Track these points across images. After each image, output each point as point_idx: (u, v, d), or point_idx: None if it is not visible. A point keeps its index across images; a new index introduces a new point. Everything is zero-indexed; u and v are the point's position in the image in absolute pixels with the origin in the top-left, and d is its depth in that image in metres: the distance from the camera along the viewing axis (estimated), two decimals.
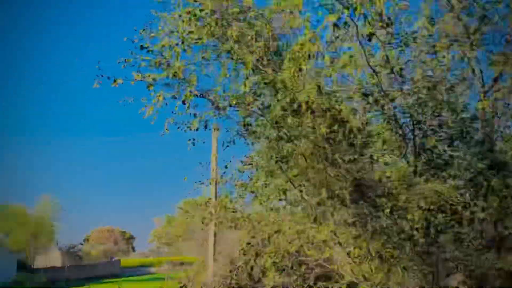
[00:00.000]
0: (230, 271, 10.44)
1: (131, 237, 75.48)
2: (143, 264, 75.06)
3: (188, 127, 6.46)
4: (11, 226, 51.37)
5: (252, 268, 7.83)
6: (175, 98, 6.11)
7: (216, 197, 22.80)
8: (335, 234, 6.49)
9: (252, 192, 7.73)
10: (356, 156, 5.77)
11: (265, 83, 5.57)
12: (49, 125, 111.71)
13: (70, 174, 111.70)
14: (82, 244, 67.65)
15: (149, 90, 6.14)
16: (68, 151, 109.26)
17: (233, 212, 8.04)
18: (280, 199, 7.10)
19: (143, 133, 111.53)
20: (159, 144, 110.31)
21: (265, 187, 7.39)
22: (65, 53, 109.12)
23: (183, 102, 6.00)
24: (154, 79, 6.11)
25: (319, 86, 5.46)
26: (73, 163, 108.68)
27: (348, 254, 6.69)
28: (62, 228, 61.78)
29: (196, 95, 6.10)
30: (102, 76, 6.06)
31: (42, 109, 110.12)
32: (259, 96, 5.97)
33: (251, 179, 7.65)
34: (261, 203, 7.60)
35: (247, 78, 5.68)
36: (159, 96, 6.07)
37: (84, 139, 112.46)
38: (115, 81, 6.09)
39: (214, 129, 19.52)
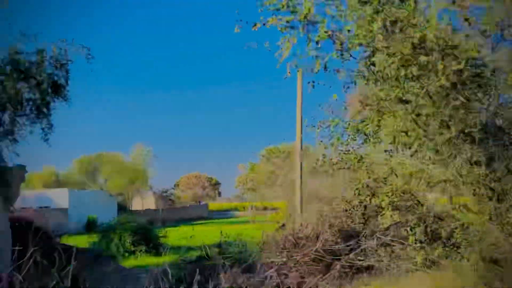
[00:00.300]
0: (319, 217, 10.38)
1: (217, 183, 79.00)
2: (229, 208, 78.78)
3: (310, 69, 6.34)
4: (110, 172, 55.89)
5: (366, 208, 7.69)
6: (309, 39, 5.99)
7: (301, 143, 22.59)
8: (460, 175, 6.07)
9: (366, 134, 7.45)
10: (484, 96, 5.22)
11: (392, 22, 5.17)
12: (142, 75, 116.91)
13: (160, 124, 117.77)
14: (173, 189, 72.16)
15: (283, 32, 6.13)
16: (158, 101, 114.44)
17: (346, 154, 7.82)
18: (392, 142, 6.74)
19: (228, 83, 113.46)
20: (245, 94, 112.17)
21: (378, 128, 7.07)
22: None
23: (317, 43, 5.85)
24: (287, 21, 6.05)
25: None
26: (163, 113, 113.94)
27: (474, 193, 6.26)
28: (155, 174, 65.98)
29: (329, 36, 5.90)
30: (240, 21, 6.19)
31: (135, 58, 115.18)
32: (387, 34, 5.58)
33: (363, 121, 7.34)
34: (374, 145, 7.31)
35: (376, 13, 5.31)
36: (292, 39, 6.02)
37: (172, 90, 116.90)
38: (255, 25, 6.18)
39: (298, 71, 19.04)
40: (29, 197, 38.71)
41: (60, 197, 46.07)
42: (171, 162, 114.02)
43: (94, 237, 26.77)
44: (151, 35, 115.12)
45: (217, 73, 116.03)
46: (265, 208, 67.64)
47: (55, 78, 13.09)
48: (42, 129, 13.03)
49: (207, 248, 9.82)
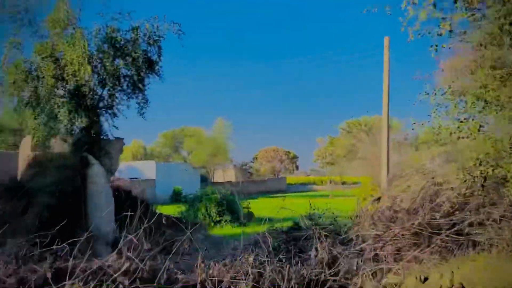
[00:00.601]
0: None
1: (295, 157, 79.25)
2: (306, 182, 78.86)
3: (437, 33, 6.04)
4: (192, 145, 58.13)
5: (485, 179, 7.23)
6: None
7: (388, 115, 21.71)
8: None
9: (486, 101, 6.95)
10: None
11: None
12: (230, 47, 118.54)
13: (242, 97, 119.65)
14: (252, 162, 73.60)
15: None
16: (244, 74, 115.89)
17: (463, 122, 7.37)
18: None
19: (307, 55, 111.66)
20: (322, 67, 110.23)
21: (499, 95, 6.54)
22: None
23: (455, 2, 5.54)
24: None
25: None
26: (246, 87, 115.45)
27: None
28: (235, 147, 67.56)
29: None
30: None
31: (224, 31, 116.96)
32: None
33: (485, 86, 6.83)
34: (496, 112, 6.81)
35: None
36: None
37: (259, 61, 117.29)
38: None
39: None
40: (120, 168, 41.36)
41: (148, 169, 48.70)
42: (251, 135, 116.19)
43: (182, 207, 28.20)
44: (240, 6, 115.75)
45: (301, 43, 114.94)
46: (343, 183, 66.90)
47: (149, 54, 13.65)
48: (138, 103, 13.72)
49: (303, 217, 9.86)
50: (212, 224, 25.80)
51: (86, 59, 11.96)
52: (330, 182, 74.35)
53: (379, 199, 9.55)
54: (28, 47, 13.59)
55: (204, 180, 53.29)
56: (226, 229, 24.88)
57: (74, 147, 13.43)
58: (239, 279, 6.42)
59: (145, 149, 65.38)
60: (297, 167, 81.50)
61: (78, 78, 12.13)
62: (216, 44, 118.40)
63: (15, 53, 13.12)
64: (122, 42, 13.29)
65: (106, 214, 12.39)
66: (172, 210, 27.66)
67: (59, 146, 13.90)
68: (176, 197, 44.58)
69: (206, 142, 55.25)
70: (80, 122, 13.51)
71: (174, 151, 66.85)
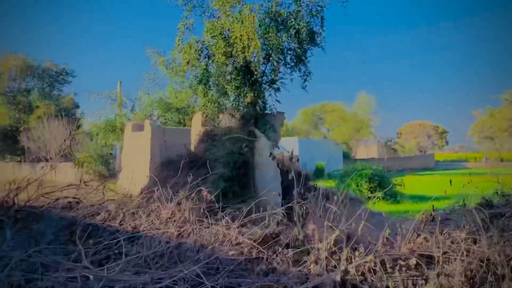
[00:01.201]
0: None
1: (444, 132, 73.42)
2: (457, 159, 72.69)
3: None
4: (334, 121, 57.49)
5: None
6: None
7: None
8: None
9: None
10: None
11: None
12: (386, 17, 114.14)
13: (385, 69, 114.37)
14: (398, 138, 70.27)
15: None
16: (380, 44, 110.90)
17: None
18: None
19: (459, 19, 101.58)
20: (479, 31, 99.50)
21: None
22: None
23: None
24: None
25: None
26: (389, 57, 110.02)
27: None
28: (378, 122, 65.14)
29: None
30: None
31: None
32: None
33: None
34: None
35: None
36: None
37: (410, 29, 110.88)
38: None
39: None
40: None
41: (291, 145, 49.47)
42: (396, 109, 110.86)
43: (331, 182, 28.07)
44: None
45: (450, 8, 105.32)
46: (501, 160, 59.99)
47: (312, 26, 13.43)
48: (301, 76, 13.66)
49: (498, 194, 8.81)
50: (364, 200, 25.16)
51: (256, 34, 12.18)
52: (486, 159, 67.48)
53: None
54: (199, 28, 14.44)
55: (346, 156, 52.46)
56: (380, 205, 24.03)
57: (241, 122, 13.98)
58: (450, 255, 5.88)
59: (287, 125, 66.69)
60: (447, 143, 75.50)
61: (247, 54, 12.45)
62: (368, 11, 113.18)
63: (188, 34, 14.01)
64: (285, 15, 13.28)
65: (274, 185, 12.71)
66: (321, 185, 27.69)
67: (226, 121, 14.63)
68: (318, 173, 44.66)
69: (348, 117, 54.13)
70: (247, 97, 13.99)
71: (313, 128, 66.94)
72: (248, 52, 12.41)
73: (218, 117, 14.40)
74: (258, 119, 13.93)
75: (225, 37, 13.06)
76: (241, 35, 12.46)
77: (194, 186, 12.11)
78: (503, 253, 6.71)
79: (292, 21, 13.22)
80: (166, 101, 23.80)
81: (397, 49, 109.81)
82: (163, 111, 23.62)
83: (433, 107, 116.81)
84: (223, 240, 5.85)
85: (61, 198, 7.15)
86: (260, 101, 13.88)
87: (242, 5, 12.89)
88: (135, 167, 17.37)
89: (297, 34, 13.15)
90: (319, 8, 13.24)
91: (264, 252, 5.61)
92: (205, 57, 13.64)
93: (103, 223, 6.32)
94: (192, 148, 15.73)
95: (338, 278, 5.22)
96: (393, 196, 25.56)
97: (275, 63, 13.59)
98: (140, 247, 5.41)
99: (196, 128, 15.88)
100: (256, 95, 13.94)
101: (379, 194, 25.79)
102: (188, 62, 13.68)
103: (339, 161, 49.12)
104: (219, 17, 13.66)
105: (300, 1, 13.13)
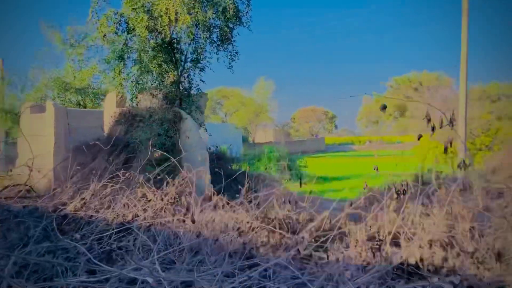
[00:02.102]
0: None
1: (333, 116, 78.09)
2: (344, 142, 78.02)
3: None
4: (234, 106, 57.78)
5: None
6: None
7: (467, 67, 20.59)
8: None
9: None
10: None
11: None
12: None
13: (283, 55, 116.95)
14: (293, 122, 73.01)
15: None
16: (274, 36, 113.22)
17: None
18: None
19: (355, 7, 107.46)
20: (368, 22, 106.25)
21: None
22: None
23: None
24: None
25: None
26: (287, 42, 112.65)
27: None
28: (276, 107, 66.83)
29: None
30: None
31: None
32: None
33: None
34: None
35: None
36: None
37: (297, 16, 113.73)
38: None
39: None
40: None
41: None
42: (291, 95, 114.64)
43: (240, 165, 28.15)
44: None
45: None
46: (382, 143, 65.72)
47: (238, 4, 13.03)
48: (228, 56, 13.22)
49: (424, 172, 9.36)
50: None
51: (185, 8, 11.43)
52: (370, 142, 73.38)
53: None
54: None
55: (245, 140, 53.11)
56: (289, 186, 24.74)
57: (164, 102, 13.16)
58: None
59: None
60: (336, 127, 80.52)
61: (174, 30, 11.67)
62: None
63: (103, 5, 12.74)
64: None
65: (202, 169, 12.21)
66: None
67: (147, 101, 13.68)
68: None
69: (247, 102, 54.75)
70: (169, 76, 13.20)
71: (212, 112, 66.67)
72: (176, 27, 11.64)
73: (136, 97, 13.39)
74: (183, 100, 13.24)
75: (148, 10, 12.09)
76: (167, 9, 11.63)
77: (116, 171, 11.13)
78: None
79: None
80: (63, 80, 21.60)
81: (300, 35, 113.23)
82: (60, 92, 21.42)
83: (326, 93, 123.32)
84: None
85: (10, 186, 6.00)
86: (185, 80, 13.18)
87: None
88: (37, 153, 15.52)
89: (224, 12, 12.66)
90: None
91: None
92: (124, 31, 12.52)
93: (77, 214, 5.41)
94: (106, 131, 14.46)
95: None
96: (300, 177, 26.49)
97: (201, 41, 12.97)
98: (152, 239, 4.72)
99: (110, 109, 14.60)
100: (180, 74, 13.21)
101: (286, 176, 26.58)
102: (104, 36, 12.45)
103: (240, 145, 49.53)
104: None
105: None
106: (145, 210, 7.06)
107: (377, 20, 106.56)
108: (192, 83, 13.39)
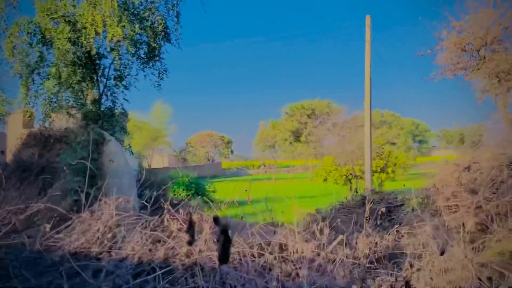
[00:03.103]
0: None
1: (229, 142, 78.64)
2: (239, 166, 78.99)
3: None
4: (129, 129, 55.18)
5: None
6: None
7: (370, 100, 22.02)
8: None
9: None
10: None
11: None
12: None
13: (174, 81, 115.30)
14: (191, 147, 71.82)
15: None
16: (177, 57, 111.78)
17: None
18: None
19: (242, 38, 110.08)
20: (258, 51, 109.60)
21: None
22: None
23: None
24: None
25: None
26: (184, 69, 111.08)
27: None
28: (173, 131, 65.29)
29: None
30: None
31: None
32: None
33: None
34: None
35: None
36: None
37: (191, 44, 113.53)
38: None
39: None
40: None
41: None
42: (187, 120, 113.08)
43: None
44: None
45: (242, 27, 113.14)
46: (280, 167, 67.85)
47: (167, 20, 12.46)
48: (157, 73, 12.48)
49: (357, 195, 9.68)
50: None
51: (115, 20, 10.55)
52: (264, 166, 75.14)
53: (468, 168, 9.45)
54: (26, 6, 11.79)
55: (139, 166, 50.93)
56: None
57: (84, 122, 11.92)
58: None
59: None
60: (231, 152, 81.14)
61: (106, 43, 10.71)
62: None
63: (11, 12, 11.28)
64: (137, 4, 11.96)
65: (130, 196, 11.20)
66: None
67: (62, 121, 12.29)
68: None
69: (143, 127, 52.72)
70: (89, 93, 12.05)
71: None
72: (104, 40, 10.68)
73: (50, 117, 11.95)
74: (105, 120, 12.12)
75: (69, 21, 10.93)
76: (93, 20, 10.63)
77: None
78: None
79: (145, 12, 12.00)
80: None
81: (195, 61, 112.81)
82: None
83: (221, 118, 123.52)
84: None
85: None
86: (109, 99, 12.13)
87: None
88: None
89: (152, 27, 11.99)
90: (175, 2, 12.36)
91: None
92: (39, 42, 11.16)
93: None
94: (9, 155, 12.62)
95: None
96: (211, 202, 25.92)
97: (127, 57, 12.09)
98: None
99: (16, 130, 12.80)
100: (101, 91, 12.13)
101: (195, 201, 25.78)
102: (14, 47, 10.96)
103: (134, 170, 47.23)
104: None
105: None
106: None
107: (277, 50, 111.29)
108: (116, 102, 12.36)
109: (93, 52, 11.04)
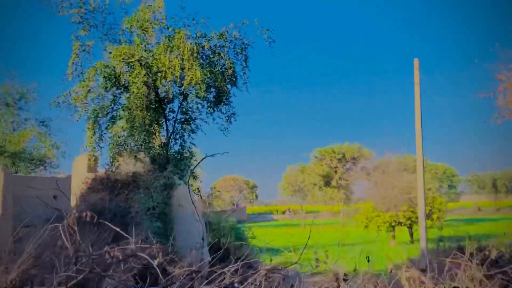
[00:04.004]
0: None
1: (254, 186, 78.08)
2: (263, 212, 77.89)
3: None
4: None
5: None
6: None
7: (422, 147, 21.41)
8: None
9: None
10: None
11: None
12: None
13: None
14: (218, 192, 71.36)
15: None
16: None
17: None
18: None
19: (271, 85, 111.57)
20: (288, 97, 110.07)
21: None
22: None
23: None
24: None
25: None
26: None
27: None
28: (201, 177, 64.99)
29: None
30: None
31: None
32: None
33: None
34: None
35: None
36: None
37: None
38: None
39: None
40: None
41: None
42: (213, 164, 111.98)
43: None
44: None
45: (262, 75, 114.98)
46: (305, 212, 66.51)
47: (235, 63, 12.39)
48: (227, 117, 12.28)
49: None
50: None
51: (195, 63, 10.49)
52: (289, 211, 73.84)
53: None
54: (97, 51, 11.88)
55: None
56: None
57: (153, 166, 11.68)
58: None
59: None
60: (256, 197, 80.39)
61: (185, 86, 10.61)
62: None
63: (84, 57, 11.36)
64: (208, 50, 11.95)
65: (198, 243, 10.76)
66: None
67: (128, 165, 12.08)
68: None
69: None
70: (157, 137, 11.89)
71: None
72: (187, 82, 10.57)
73: (117, 161, 11.77)
74: (174, 163, 11.87)
75: (145, 65, 10.93)
76: (170, 64, 10.58)
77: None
78: None
79: (215, 56, 11.98)
80: None
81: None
82: None
83: (246, 162, 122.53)
84: None
85: None
86: (177, 142, 11.94)
87: (173, 30, 11.09)
88: None
89: (221, 71, 11.93)
90: (243, 46, 12.29)
91: None
92: (113, 86, 11.15)
93: None
94: (73, 200, 12.38)
95: None
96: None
97: (196, 100, 11.97)
98: None
99: (80, 174, 12.63)
100: (170, 134, 11.97)
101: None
102: (88, 91, 10.96)
103: None
104: (130, 40, 11.53)
105: (225, 36, 11.99)
106: None
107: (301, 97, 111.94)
108: (184, 145, 12.14)
109: (170, 95, 10.97)
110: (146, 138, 11.58)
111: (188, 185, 11.94)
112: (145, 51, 11.22)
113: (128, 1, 11.41)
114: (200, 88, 11.29)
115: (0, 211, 13.12)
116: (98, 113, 11.32)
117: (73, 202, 12.55)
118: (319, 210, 74.21)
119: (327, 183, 50.30)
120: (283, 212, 76.86)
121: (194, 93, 11.79)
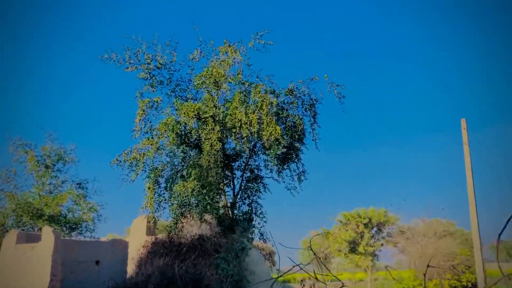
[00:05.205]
0: None
1: (272, 252, 75.50)
2: (284, 280, 74.49)
3: None
4: None
5: None
6: None
7: (476, 205, 20.41)
8: None
9: None
10: None
11: None
12: None
13: None
14: None
15: None
16: None
17: None
18: None
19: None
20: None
21: None
22: None
23: None
24: None
25: None
26: None
27: None
28: None
29: None
30: None
31: None
32: None
33: None
34: None
35: None
36: None
37: None
38: None
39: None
40: None
41: None
42: None
43: None
44: None
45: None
46: (323, 281, 63.29)
47: (304, 120, 11.90)
48: (294, 175, 11.57)
49: None
50: None
51: (274, 118, 10.01)
52: (309, 279, 70.63)
53: None
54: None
55: None
56: None
57: (219, 228, 10.87)
58: None
59: None
60: (274, 264, 77.36)
61: (263, 140, 10.06)
62: None
63: (151, 114, 10.97)
64: (276, 105, 11.52)
65: None
66: None
67: (192, 227, 11.28)
68: None
69: None
70: (223, 197, 11.18)
71: None
72: (265, 136, 10.01)
73: (181, 222, 10.99)
74: (243, 225, 11.04)
75: (218, 120, 10.46)
76: (247, 119, 10.08)
77: None
78: None
79: (284, 112, 11.54)
80: (35, 206, 18.11)
81: None
82: (31, 219, 17.79)
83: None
84: None
85: None
86: (245, 202, 11.19)
87: (249, 85, 10.74)
88: None
89: (292, 128, 11.43)
90: (311, 102, 11.83)
91: None
92: (183, 143, 10.64)
93: None
94: (131, 266, 11.45)
95: None
96: None
97: (264, 157, 11.38)
98: None
99: (138, 237, 11.78)
100: (237, 194, 11.26)
101: None
102: (158, 149, 10.43)
103: None
104: (196, 98, 11.19)
105: (294, 92, 11.59)
106: None
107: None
108: (252, 206, 11.36)
109: (245, 151, 10.39)
110: (214, 197, 10.86)
111: (260, 249, 11.07)
112: (215, 107, 10.80)
113: (197, 57, 11.19)
114: (279, 143, 10.68)
115: (48, 277, 12.30)
116: (160, 172, 10.72)
117: (130, 267, 11.64)
118: (341, 278, 70.77)
119: (352, 250, 48.13)
120: (301, 283, 73.47)
121: (262, 150, 11.24)
